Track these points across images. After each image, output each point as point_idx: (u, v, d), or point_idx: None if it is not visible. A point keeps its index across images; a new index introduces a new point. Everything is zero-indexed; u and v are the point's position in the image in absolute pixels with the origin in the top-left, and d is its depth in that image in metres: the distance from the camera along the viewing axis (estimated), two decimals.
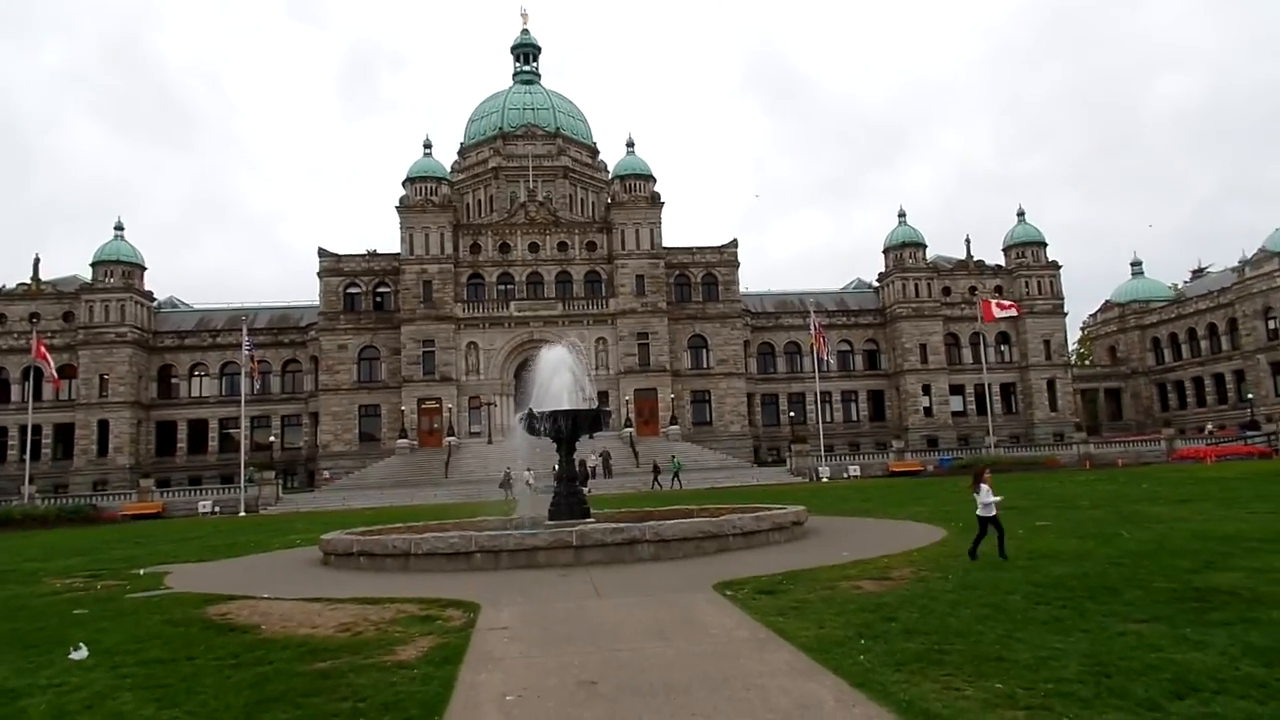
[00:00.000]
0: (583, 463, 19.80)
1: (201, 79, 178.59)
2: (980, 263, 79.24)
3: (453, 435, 63.38)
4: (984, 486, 12.59)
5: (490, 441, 62.74)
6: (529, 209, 70.85)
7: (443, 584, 12.95)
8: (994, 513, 12.47)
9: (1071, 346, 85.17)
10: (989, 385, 69.23)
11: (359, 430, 66.94)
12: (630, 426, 63.02)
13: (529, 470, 35.07)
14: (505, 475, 45.01)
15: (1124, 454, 54.60)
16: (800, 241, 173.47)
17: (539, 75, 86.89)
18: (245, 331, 53.06)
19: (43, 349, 51.11)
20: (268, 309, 77.96)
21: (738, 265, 72.70)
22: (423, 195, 69.10)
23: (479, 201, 79.16)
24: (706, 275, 72.24)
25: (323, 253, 69.18)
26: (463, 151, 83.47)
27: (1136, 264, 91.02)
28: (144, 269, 72.47)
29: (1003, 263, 79.46)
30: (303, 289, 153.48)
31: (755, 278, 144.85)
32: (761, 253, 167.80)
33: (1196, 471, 37.46)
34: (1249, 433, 60.02)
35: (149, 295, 73.05)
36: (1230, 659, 6.57)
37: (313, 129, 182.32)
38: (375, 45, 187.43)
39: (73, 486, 63.61)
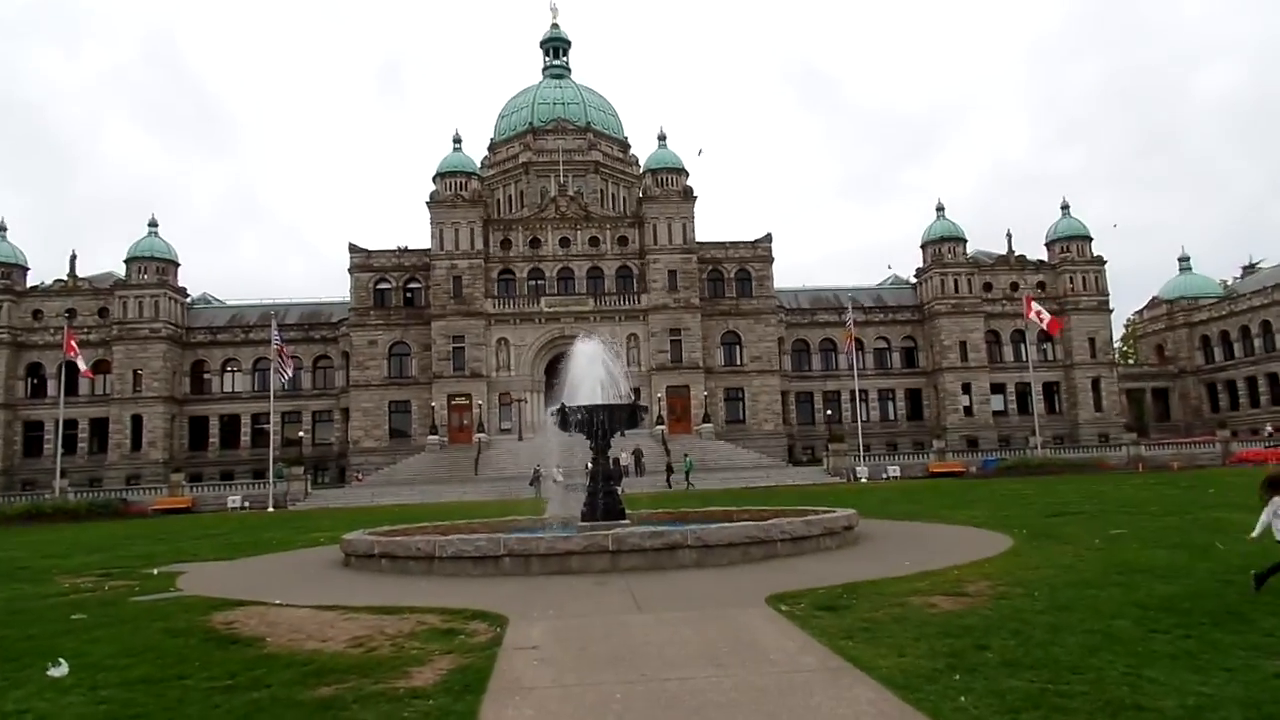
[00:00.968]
0: (617, 460, 18.65)
1: (234, 80, 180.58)
2: (1022, 258, 76.89)
3: (483, 432, 62.72)
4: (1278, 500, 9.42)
5: (521, 438, 61.96)
6: (559, 204, 69.97)
7: (468, 590, 11.94)
8: None
9: (1115, 344, 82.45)
10: (1032, 384, 67.10)
11: (389, 426, 66.55)
12: (662, 424, 61.87)
13: (558, 468, 34.07)
14: (535, 473, 44.18)
15: (1177, 456, 52.39)
16: (833, 238, 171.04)
17: (569, 70, 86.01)
18: (275, 326, 52.69)
19: (72, 343, 51.16)
20: (299, 305, 77.93)
21: (772, 260, 71.21)
22: (453, 190, 68.50)
23: (509, 197, 78.45)
24: (740, 271, 70.84)
25: (353, 248, 68.89)
26: (493, 147, 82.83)
27: (1184, 259, 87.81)
28: (178, 265, 72.73)
29: (1045, 258, 77.08)
30: (334, 286, 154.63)
31: (787, 275, 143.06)
32: (794, 249, 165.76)
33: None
34: None
35: (182, 291, 73.32)
36: None
37: (346, 128, 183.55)
38: (406, 42, 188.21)
39: (106, 480, 63.94)
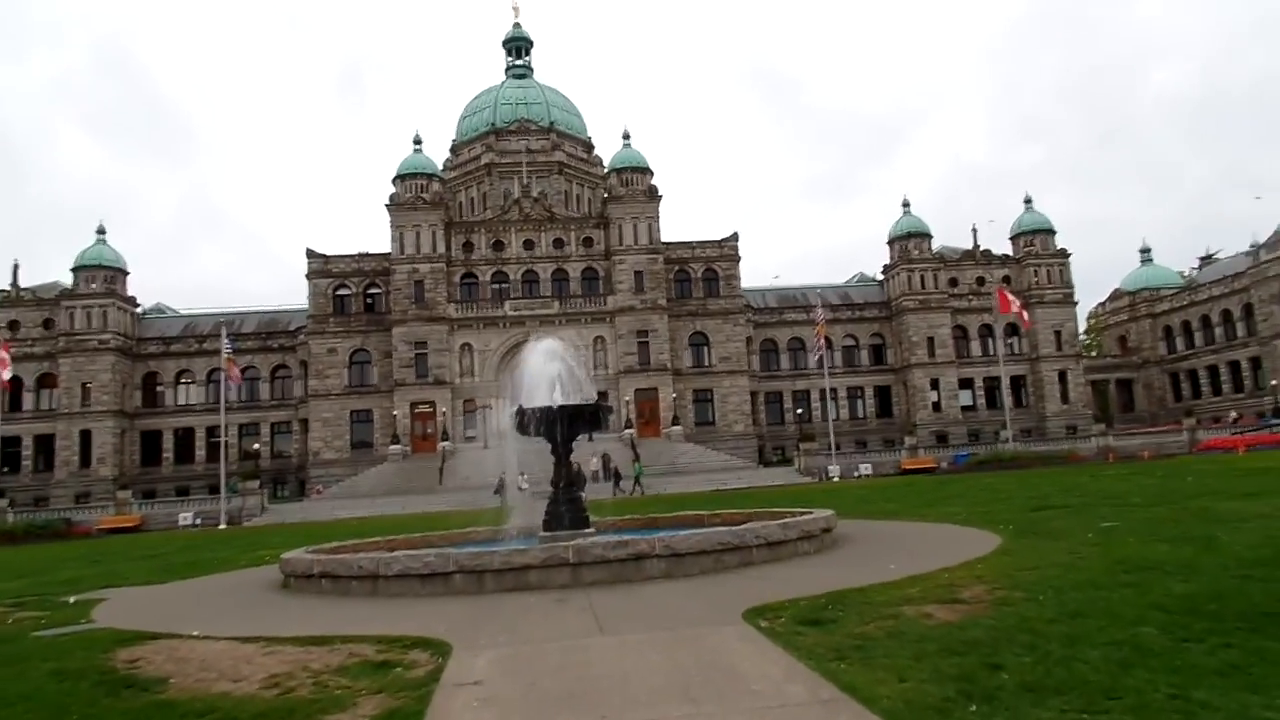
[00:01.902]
0: (579, 466, 17.45)
1: (190, 86, 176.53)
2: (987, 252, 77.15)
3: (447, 440, 61.17)
4: None
5: (486, 446, 60.52)
6: (523, 205, 68.68)
7: (414, 613, 10.74)
8: None
9: (1080, 337, 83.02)
10: (1002, 378, 67.12)
11: (350, 437, 64.71)
12: (631, 428, 60.81)
13: (523, 475, 32.78)
14: (500, 481, 42.80)
15: (1146, 446, 52.47)
16: (799, 238, 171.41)
17: (532, 69, 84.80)
18: (225, 335, 50.73)
19: (3, 354, 48.36)
20: (256, 313, 75.71)
21: (739, 260, 70.58)
22: (413, 192, 66.92)
23: (472, 199, 76.97)
24: (707, 271, 70.07)
25: (310, 253, 66.97)
26: (455, 148, 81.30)
27: (1146, 251, 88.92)
28: (127, 274, 70.22)
29: (1010, 252, 77.34)
30: (296, 294, 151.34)
31: (753, 275, 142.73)
32: (761, 250, 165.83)
33: (1234, 462, 35.26)
34: (1273, 420, 57.91)
35: (132, 301, 70.78)
36: None
37: (306, 132, 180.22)
38: (367, 43, 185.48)
39: (54, 500, 61.27)
